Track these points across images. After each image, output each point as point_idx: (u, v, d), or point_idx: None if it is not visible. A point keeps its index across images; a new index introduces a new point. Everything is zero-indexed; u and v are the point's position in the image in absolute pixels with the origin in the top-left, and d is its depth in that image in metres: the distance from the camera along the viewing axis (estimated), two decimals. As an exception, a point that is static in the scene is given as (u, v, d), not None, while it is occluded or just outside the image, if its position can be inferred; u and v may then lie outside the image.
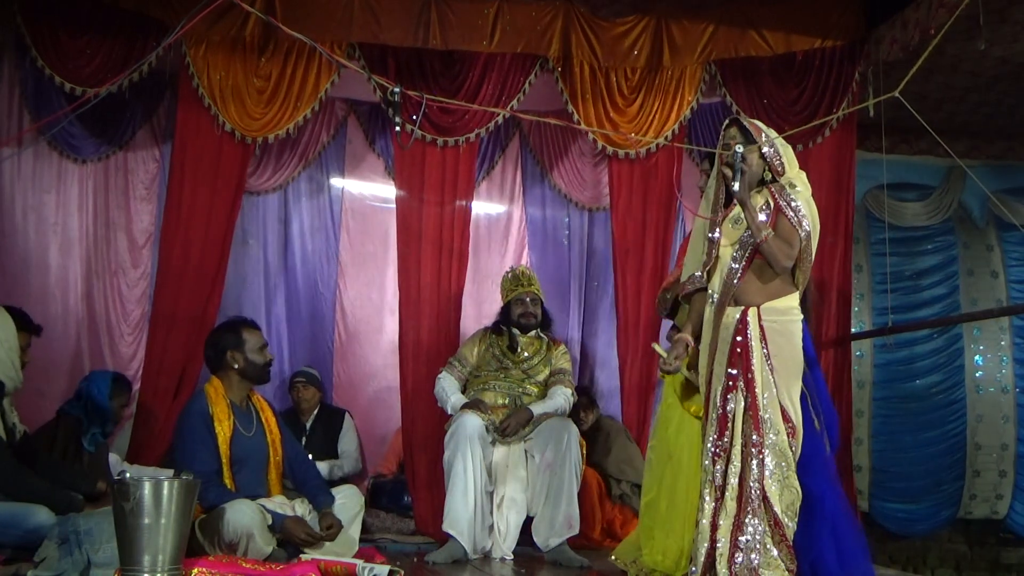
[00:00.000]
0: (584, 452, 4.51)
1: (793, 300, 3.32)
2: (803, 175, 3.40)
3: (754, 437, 3.15)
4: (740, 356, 3.23)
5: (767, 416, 3.17)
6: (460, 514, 4.25)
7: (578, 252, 6.25)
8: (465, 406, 4.48)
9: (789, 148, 3.46)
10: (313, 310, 6.00)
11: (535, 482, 4.37)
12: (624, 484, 5.02)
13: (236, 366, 3.84)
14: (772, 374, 3.20)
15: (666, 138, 5.16)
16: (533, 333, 4.79)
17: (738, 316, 3.26)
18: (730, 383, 3.23)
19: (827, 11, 5.18)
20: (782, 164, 3.34)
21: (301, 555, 3.50)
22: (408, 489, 4.98)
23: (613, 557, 4.07)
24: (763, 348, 3.22)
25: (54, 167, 5.43)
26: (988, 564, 6.35)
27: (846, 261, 5.24)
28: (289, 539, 3.59)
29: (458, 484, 4.27)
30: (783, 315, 3.28)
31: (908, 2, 4.84)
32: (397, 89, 3.52)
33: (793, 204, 3.26)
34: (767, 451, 3.14)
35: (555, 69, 5.14)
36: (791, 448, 3.18)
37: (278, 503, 3.76)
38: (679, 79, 5.20)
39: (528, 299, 4.79)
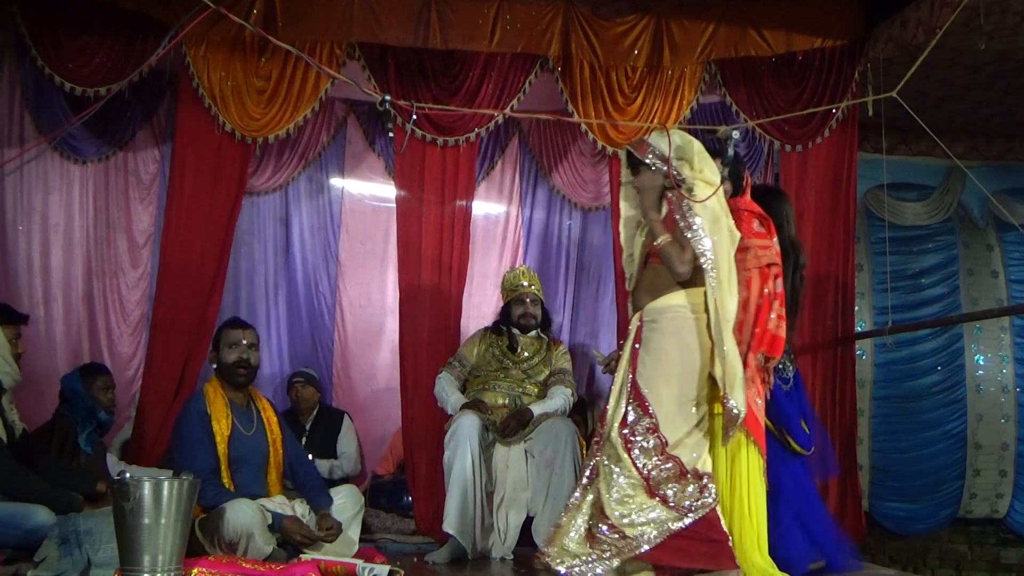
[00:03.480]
0: (584, 453, 4.51)
1: (675, 298, 3.32)
2: (708, 169, 3.39)
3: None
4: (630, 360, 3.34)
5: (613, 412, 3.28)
6: (460, 514, 4.24)
7: (576, 252, 6.24)
8: (465, 406, 4.47)
9: (696, 143, 3.46)
10: (313, 310, 6.00)
11: (535, 482, 4.37)
12: None
13: (214, 365, 3.91)
14: (638, 368, 3.27)
15: (665, 138, 5.15)
16: (533, 333, 4.79)
17: (637, 323, 3.39)
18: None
19: (827, 11, 5.19)
20: (679, 173, 3.36)
21: (301, 555, 3.50)
22: (408, 489, 4.98)
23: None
24: (635, 345, 3.33)
25: (55, 168, 5.44)
26: (988, 564, 6.33)
27: (848, 261, 5.24)
28: (286, 539, 3.59)
29: (458, 484, 4.26)
30: (661, 313, 3.32)
31: (908, 1, 4.84)
32: (387, 98, 3.54)
33: (687, 213, 3.29)
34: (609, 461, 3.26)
35: (555, 69, 5.13)
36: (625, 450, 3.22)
37: (278, 503, 3.76)
38: (679, 79, 5.20)
39: (528, 299, 4.79)
